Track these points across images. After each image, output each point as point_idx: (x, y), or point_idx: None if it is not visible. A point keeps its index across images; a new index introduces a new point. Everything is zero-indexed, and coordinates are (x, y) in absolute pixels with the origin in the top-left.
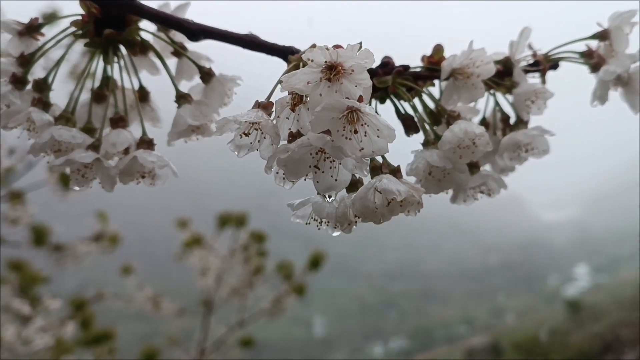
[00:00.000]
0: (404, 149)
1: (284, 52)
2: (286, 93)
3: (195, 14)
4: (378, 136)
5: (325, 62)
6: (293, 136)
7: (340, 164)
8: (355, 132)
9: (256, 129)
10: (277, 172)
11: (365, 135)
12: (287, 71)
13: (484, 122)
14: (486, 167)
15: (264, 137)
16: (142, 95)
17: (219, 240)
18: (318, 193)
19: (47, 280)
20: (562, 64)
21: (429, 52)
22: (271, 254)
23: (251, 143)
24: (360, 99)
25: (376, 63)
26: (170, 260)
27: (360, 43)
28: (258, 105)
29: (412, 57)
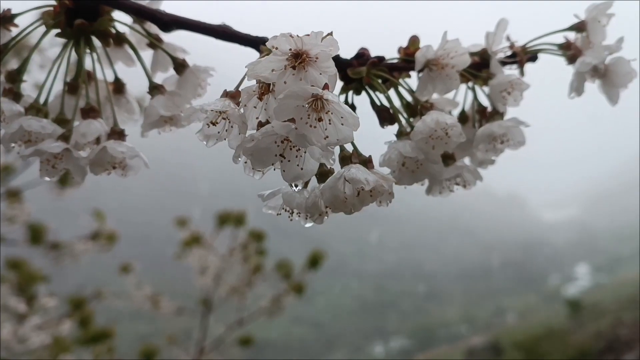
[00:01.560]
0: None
1: (257, 43)
2: (254, 82)
3: (173, 8)
4: (342, 124)
5: (290, 49)
6: (262, 125)
7: (306, 152)
8: (320, 120)
9: (224, 118)
10: (246, 162)
11: (329, 123)
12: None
13: (463, 115)
14: (465, 160)
15: (232, 127)
16: (118, 87)
17: (218, 239)
18: (291, 185)
19: (46, 279)
20: (550, 60)
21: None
22: (270, 253)
23: (219, 132)
24: (325, 87)
25: (351, 54)
26: (169, 259)
27: (331, 33)
28: (226, 94)
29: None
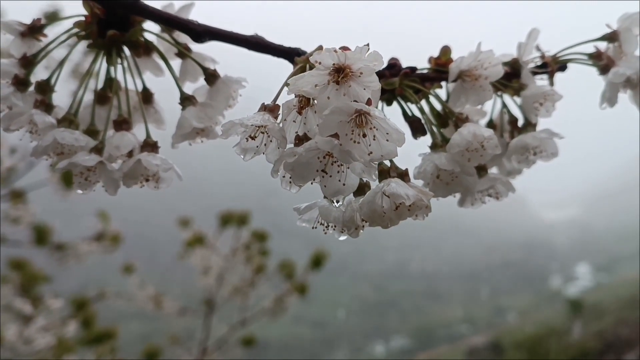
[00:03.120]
0: (412, 152)
1: (290, 54)
2: (293, 96)
3: (199, 14)
4: (387, 140)
5: (333, 64)
6: (300, 139)
7: (348, 168)
8: (364, 135)
9: (262, 132)
10: (284, 176)
11: (374, 139)
12: (294, 73)
13: (491, 125)
14: (493, 170)
15: (271, 141)
16: (146, 96)
17: (220, 239)
18: (325, 197)
19: (49, 280)
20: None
21: (435, 54)
22: (273, 253)
23: (257, 146)
24: (368, 102)
25: (383, 65)
26: (172, 259)
27: (368, 45)
28: (264, 108)
29: (418, 57)
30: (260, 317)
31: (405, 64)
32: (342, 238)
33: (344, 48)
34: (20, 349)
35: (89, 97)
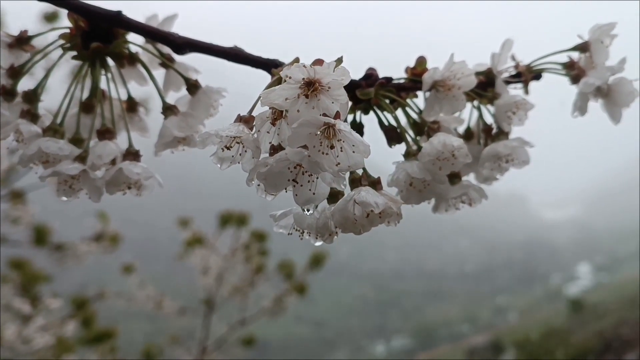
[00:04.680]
0: (387, 160)
1: (268, 65)
2: (267, 107)
3: (189, 17)
4: (354, 151)
5: (303, 78)
6: (275, 149)
7: (318, 177)
8: (332, 147)
9: (238, 143)
10: (259, 185)
11: (341, 151)
12: (270, 84)
13: (468, 132)
14: (470, 176)
15: (245, 151)
16: (131, 105)
17: (220, 239)
18: (303, 209)
19: (49, 279)
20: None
21: (412, 63)
22: (272, 253)
23: (233, 156)
24: (337, 115)
25: (350, 79)
26: (172, 260)
27: (340, 59)
28: (240, 119)
29: (410, 59)
30: (260, 317)
31: (397, 61)
32: (318, 244)
33: (316, 62)
34: (19, 348)
35: (75, 106)
